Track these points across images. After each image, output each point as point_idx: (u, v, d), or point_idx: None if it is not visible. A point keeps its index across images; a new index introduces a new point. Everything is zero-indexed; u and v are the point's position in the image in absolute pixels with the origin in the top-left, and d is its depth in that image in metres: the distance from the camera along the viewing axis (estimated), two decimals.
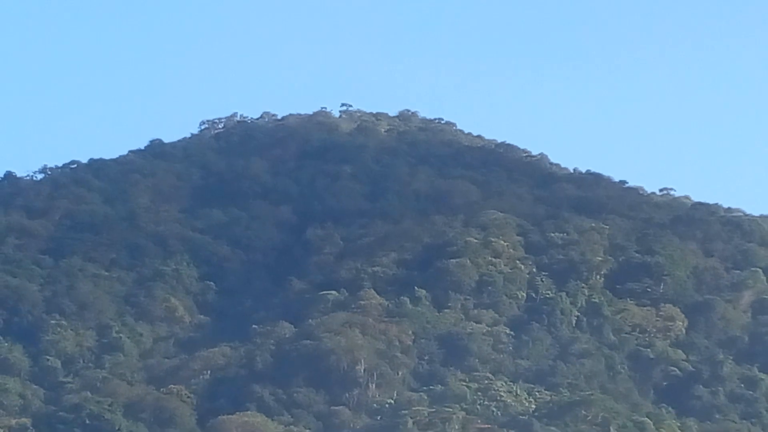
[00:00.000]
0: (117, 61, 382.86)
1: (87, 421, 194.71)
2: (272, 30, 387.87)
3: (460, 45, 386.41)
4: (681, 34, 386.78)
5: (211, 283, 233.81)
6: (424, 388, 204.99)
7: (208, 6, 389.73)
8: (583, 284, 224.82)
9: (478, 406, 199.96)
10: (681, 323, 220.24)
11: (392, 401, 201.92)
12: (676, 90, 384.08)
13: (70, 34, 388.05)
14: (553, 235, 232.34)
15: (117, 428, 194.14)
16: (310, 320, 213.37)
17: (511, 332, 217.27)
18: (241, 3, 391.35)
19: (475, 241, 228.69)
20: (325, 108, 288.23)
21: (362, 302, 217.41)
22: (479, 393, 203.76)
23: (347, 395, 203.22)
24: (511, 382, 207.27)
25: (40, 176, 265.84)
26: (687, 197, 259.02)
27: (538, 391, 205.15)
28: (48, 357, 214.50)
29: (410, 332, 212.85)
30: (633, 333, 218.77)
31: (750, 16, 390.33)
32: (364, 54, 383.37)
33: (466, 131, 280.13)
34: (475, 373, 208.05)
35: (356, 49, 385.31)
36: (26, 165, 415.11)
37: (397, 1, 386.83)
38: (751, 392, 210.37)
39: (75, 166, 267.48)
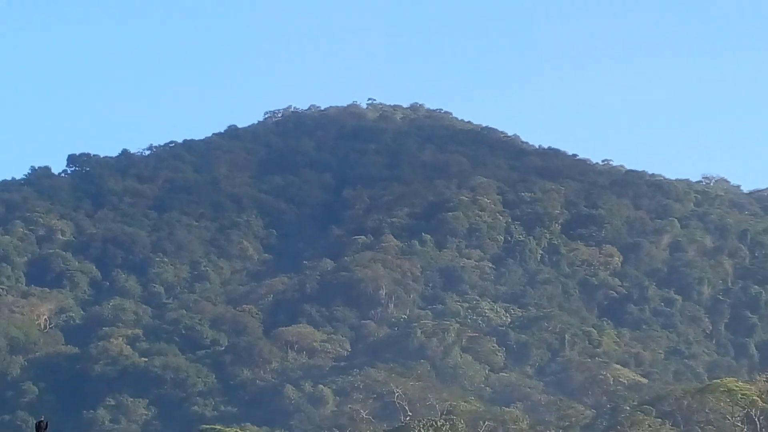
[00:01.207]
0: (205, 60, 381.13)
1: (183, 332, 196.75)
2: (321, 38, 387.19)
3: (454, 52, 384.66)
4: (627, 28, 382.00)
5: (273, 230, 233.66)
6: (429, 306, 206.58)
7: (271, 20, 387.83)
8: (545, 230, 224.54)
9: (469, 320, 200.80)
10: (617, 258, 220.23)
11: (405, 317, 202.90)
12: (617, 78, 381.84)
13: (163, 34, 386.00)
14: (523, 194, 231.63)
15: (204, 336, 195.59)
16: (345, 257, 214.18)
17: (493, 266, 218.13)
18: (297, 18, 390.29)
19: (466, 199, 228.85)
20: (356, 101, 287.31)
21: (383, 244, 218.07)
22: (469, 310, 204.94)
23: (372, 312, 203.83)
24: (492, 302, 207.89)
25: (147, 152, 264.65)
26: (622, 166, 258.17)
27: (512, 309, 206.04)
28: (154, 284, 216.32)
29: (418, 266, 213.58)
30: (582, 266, 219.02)
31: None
32: (385, 59, 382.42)
33: (459, 118, 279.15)
34: (466, 296, 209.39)
35: (379, 56, 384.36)
36: (137, 144, 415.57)
37: (414, 9, 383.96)
38: (668, 309, 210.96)
39: (173, 144, 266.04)
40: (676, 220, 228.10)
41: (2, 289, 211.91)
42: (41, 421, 42.06)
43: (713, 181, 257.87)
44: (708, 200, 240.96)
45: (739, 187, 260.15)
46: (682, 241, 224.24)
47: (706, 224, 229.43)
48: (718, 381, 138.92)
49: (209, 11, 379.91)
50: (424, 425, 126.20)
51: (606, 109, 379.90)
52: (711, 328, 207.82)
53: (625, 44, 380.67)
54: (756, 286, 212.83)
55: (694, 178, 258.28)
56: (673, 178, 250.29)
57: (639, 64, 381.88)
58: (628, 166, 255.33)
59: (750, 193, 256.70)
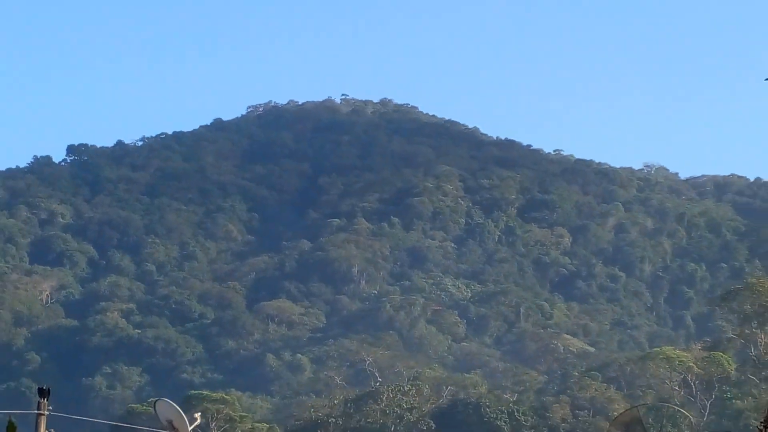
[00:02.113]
0: (193, 57, 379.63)
1: (173, 306, 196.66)
2: (298, 37, 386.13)
3: (420, 51, 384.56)
4: (583, 20, 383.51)
5: (255, 214, 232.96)
6: (397, 283, 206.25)
7: (252, 17, 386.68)
8: (502, 214, 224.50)
9: (433, 295, 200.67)
10: (567, 239, 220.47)
11: (376, 292, 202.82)
12: (566, 72, 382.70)
13: (161, 32, 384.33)
14: (482, 181, 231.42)
15: (193, 310, 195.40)
16: (321, 239, 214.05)
17: (455, 246, 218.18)
18: (276, 16, 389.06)
19: (431, 185, 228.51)
20: (331, 97, 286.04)
21: (356, 226, 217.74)
22: (433, 286, 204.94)
23: (346, 288, 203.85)
24: (454, 279, 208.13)
25: (140, 143, 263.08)
26: (572, 155, 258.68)
27: (472, 285, 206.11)
28: (146, 263, 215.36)
29: (387, 246, 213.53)
30: (535, 246, 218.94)
31: None
32: (357, 58, 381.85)
33: (425, 112, 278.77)
34: (431, 273, 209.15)
35: (352, 54, 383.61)
36: (131, 135, 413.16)
37: (383, 12, 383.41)
38: (613, 285, 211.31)
39: (164, 136, 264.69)
40: (620, 204, 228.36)
41: (7, 267, 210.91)
42: (43, 387, 41.58)
43: (654, 168, 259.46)
44: (649, 186, 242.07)
45: (677, 174, 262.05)
46: (625, 224, 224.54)
47: (647, 208, 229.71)
48: (658, 349, 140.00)
49: (197, 15, 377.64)
50: (392, 390, 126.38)
51: (557, 101, 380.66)
52: (651, 301, 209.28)
53: (573, 41, 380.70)
54: (692, 264, 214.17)
55: (636, 167, 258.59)
56: (618, 166, 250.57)
57: (587, 60, 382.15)
58: (578, 156, 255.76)
59: (687, 180, 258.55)
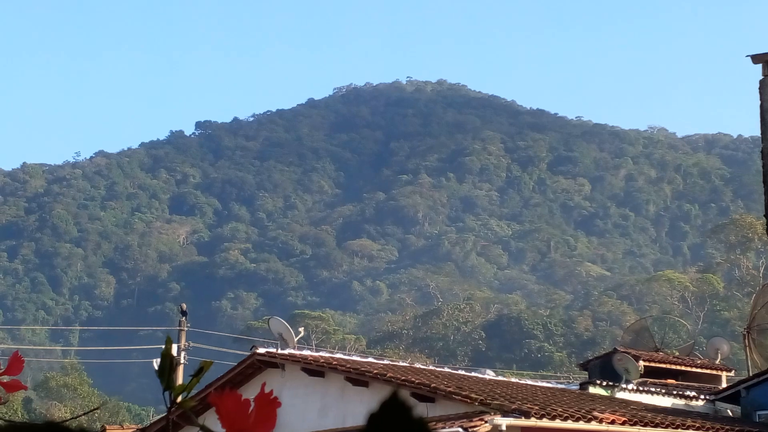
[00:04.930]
0: (292, 48, 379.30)
1: (280, 245, 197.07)
2: (372, 28, 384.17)
3: (468, 38, 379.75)
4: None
5: (341, 173, 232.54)
6: (453, 224, 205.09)
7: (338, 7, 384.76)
8: (535, 168, 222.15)
9: (481, 233, 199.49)
10: (587, 187, 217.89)
11: (436, 231, 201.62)
12: (584, 46, 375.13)
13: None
14: (519, 142, 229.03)
15: (295, 248, 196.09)
16: (393, 191, 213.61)
17: (498, 194, 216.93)
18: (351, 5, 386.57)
19: (478, 147, 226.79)
20: (398, 79, 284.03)
21: (420, 181, 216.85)
22: (482, 226, 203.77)
23: (413, 229, 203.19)
24: (498, 220, 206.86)
25: (251, 119, 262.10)
26: (590, 120, 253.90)
27: (512, 225, 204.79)
28: (258, 212, 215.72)
29: (445, 196, 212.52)
30: (562, 193, 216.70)
31: None
32: (419, 45, 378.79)
33: (473, 89, 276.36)
34: (479, 216, 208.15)
35: (415, 42, 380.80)
36: (244, 112, 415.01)
37: (438, 9, 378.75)
38: (625, 222, 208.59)
39: (269, 112, 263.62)
40: (629, 158, 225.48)
41: (153, 217, 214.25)
42: (183, 308, 42.26)
43: (656, 129, 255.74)
44: (652, 144, 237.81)
45: (675, 133, 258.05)
46: (634, 174, 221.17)
47: (651, 161, 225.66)
48: (661, 273, 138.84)
49: (288, 11, 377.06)
50: (451, 308, 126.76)
51: (579, 75, 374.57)
52: (655, 235, 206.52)
53: (592, 22, 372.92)
54: (688, 204, 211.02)
55: (642, 128, 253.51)
56: (627, 128, 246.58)
57: (603, 39, 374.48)
58: (595, 120, 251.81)
59: (683, 138, 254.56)
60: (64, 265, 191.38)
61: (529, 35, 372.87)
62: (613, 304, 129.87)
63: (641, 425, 20.75)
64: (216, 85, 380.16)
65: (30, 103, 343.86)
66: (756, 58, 24.06)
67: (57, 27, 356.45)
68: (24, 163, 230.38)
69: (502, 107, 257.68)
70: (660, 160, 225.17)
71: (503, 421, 19.38)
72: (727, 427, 22.68)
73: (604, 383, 28.27)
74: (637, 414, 21.58)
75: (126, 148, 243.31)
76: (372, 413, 1.28)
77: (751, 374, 28.67)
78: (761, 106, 23.72)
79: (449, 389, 20.98)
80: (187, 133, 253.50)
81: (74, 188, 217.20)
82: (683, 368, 32.94)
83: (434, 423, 18.73)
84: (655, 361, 32.37)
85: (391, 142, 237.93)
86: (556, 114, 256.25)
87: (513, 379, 30.87)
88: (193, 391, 1.46)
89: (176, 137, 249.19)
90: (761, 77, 23.86)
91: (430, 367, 30.11)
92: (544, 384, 30.84)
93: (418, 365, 30.43)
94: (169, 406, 1.47)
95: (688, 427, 21.42)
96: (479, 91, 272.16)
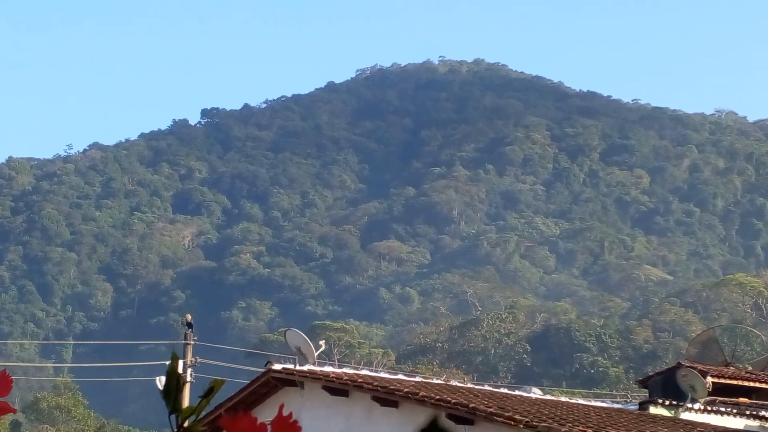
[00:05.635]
0: (307, 27, 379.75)
1: (297, 248, 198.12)
2: (399, 2, 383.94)
3: (508, 12, 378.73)
4: None
5: (366, 165, 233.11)
6: (493, 223, 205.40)
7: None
8: (586, 158, 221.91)
9: (525, 233, 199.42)
10: (646, 179, 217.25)
11: (474, 231, 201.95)
12: (642, 24, 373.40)
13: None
14: (567, 129, 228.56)
15: (314, 251, 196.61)
16: (424, 185, 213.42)
17: (544, 188, 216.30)
18: None
19: (521, 135, 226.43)
20: (430, 59, 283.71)
21: (455, 173, 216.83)
22: (525, 225, 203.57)
23: (447, 228, 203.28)
24: (544, 218, 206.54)
25: (263, 105, 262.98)
26: (648, 103, 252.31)
27: (560, 223, 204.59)
28: (273, 211, 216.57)
29: (483, 190, 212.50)
30: (617, 186, 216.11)
31: None
32: (452, 21, 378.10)
33: (514, 69, 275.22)
34: (523, 213, 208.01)
35: (447, 17, 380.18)
36: (255, 98, 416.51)
37: None
38: (689, 219, 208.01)
39: (284, 98, 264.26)
40: (693, 146, 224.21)
41: (154, 217, 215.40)
42: (188, 320, 42.47)
43: (724, 113, 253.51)
44: (720, 129, 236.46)
45: (745, 117, 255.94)
46: (699, 164, 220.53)
47: (719, 149, 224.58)
48: (731, 276, 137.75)
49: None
50: (491, 317, 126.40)
51: (634, 54, 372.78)
52: (724, 233, 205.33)
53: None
54: (761, 198, 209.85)
55: (708, 112, 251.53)
56: (691, 112, 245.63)
57: (659, 15, 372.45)
58: (654, 104, 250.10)
59: (755, 123, 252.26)
60: (55, 272, 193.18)
61: (578, 8, 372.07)
62: (677, 313, 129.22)
63: None
64: (224, 68, 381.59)
65: (16, 91, 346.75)
66: None
67: (45, 4, 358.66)
68: (10, 157, 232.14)
69: (548, 89, 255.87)
70: (729, 148, 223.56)
71: None
72: None
73: (667, 402, 28.16)
74: None
75: (124, 140, 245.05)
76: None
77: None
78: None
79: (490, 410, 20.96)
80: (192, 122, 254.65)
81: (66, 185, 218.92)
82: (757, 385, 32.73)
83: None
84: (725, 377, 32.19)
85: (421, 130, 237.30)
86: (609, 97, 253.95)
87: (562, 398, 30.81)
88: (202, 414, 1.44)
89: (180, 127, 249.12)
90: None
91: (468, 385, 30.10)
92: (598, 404, 30.76)
93: (454, 383, 30.44)
94: (175, 430, 1.46)
95: None
96: (521, 72, 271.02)
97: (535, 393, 29.61)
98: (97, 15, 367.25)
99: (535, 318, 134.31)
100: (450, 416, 20.76)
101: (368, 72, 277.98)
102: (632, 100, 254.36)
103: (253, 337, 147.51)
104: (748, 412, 28.29)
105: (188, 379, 36.45)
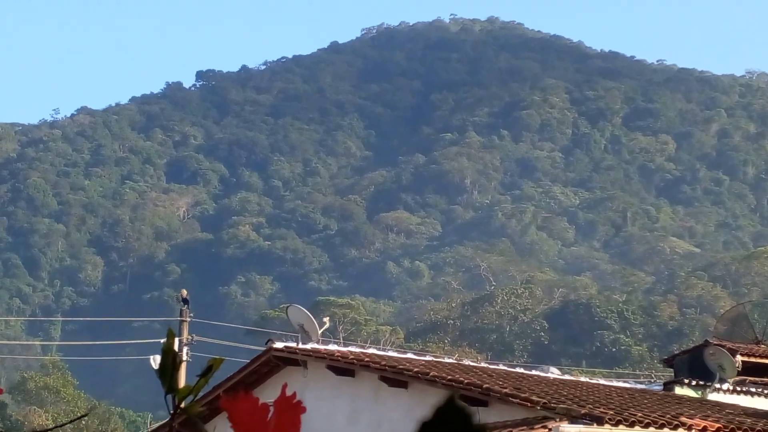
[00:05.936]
0: None
1: (299, 219, 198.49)
2: None
3: None
4: None
5: (372, 131, 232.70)
6: (508, 192, 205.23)
7: None
8: (608, 123, 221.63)
9: (542, 203, 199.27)
10: (671, 146, 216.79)
11: (488, 201, 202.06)
12: None
13: None
14: (588, 92, 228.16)
15: (317, 222, 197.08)
16: (434, 152, 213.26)
17: (562, 155, 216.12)
18: None
19: (538, 99, 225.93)
20: (440, 17, 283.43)
21: (467, 140, 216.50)
22: (543, 194, 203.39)
23: (459, 198, 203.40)
24: (563, 187, 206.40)
25: (263, 67, 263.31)
26: (674, 64, 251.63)
27: (580, 192, 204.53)
28: (273, 180, 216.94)
29: (498, 158, 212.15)
30: (641, 153, 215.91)
31: None
32: None
33: (530, 28, 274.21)
34: (540, 182, 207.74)
35: None
36: (254, 60, 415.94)
37: None
38: (717, 188, 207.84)
39: (284, 60, 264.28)
40: (722, 110, 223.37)
41: (147, 186, 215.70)
42: (184, 296, 42.58)
43: (755, 74, 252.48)
44: (751, 92, 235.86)
45: None
46: (728, 129, 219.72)
47: (750, 113, 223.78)
48: (763, 248, 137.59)
49: None
50: (506, 293, 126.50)
51: (659, 11, 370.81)
52: (755, 203, 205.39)
53: None
54: None
55: (738, 73, 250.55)
56: (720, 73, 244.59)
57: None
58: (680, 65, 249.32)
59: None
60: (42, 245, 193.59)
61: None
62: (704, 287, 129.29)
63: None
64: (220, 28, 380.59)
65: None
66: None
67: None
68: None
69: (567, 49, 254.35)
70: (761, 112, 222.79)
71: (571, 429, 19.41)
72: None
73: (694, 383, 28.23)
74: (733, 420, 21.50)
75: (114, 104, 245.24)
76: (425, 421, 1.26)
77: None
78: None
79: (505, 390, 21.01)
80: (187, 85, 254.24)
81: (53, 152, 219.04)
82: None
83: (488, 431, 18.74)
84: (755, 356, 32.25)
85: (431, 93, 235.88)
86: (632, 57, 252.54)
87: (582, 378, 30.91)
88: (200, 394, 1.44)
89: (173, 90, 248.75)
90: None
91: (482, 365, 30.19)
92: (620, 384, 30.86)
93: (466, 362, 30.53)
94: (171, 411, 1.46)
95: None
96: (538, 31, 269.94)
97: (553, 373, 29.69)
98: None
99: (553, 293, 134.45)
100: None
101: (374, 31, 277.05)
102: (657, 61, 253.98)
103: (252, 313, 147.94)
104: None
105: (184, 358, 36.57)
